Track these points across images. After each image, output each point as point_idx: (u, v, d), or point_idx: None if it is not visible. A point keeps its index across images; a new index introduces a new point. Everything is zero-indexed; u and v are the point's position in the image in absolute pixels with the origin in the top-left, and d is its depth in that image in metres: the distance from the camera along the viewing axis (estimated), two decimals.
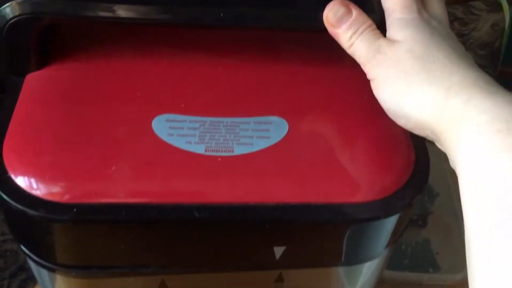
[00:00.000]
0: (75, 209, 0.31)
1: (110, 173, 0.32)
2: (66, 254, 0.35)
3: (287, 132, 0.36)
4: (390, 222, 0.36)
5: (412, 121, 0.33)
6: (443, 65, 0.32)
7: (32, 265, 0.39)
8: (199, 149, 0.34)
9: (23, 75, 0.38)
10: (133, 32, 0.42)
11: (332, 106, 0.39)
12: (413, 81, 0.32)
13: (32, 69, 0.38)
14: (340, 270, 0.41)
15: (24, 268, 1.07)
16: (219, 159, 0.34)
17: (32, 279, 0.62)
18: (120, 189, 0.32)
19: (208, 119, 0.36)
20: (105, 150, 0.34)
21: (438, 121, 0.31)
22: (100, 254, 0.36)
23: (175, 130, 0.35)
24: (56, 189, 0.32)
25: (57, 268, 0.36)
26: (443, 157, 0.32)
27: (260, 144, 0.35)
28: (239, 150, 0.35)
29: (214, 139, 0.35)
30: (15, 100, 0.36)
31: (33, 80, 0.38)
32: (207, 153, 0.34)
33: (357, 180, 0.35)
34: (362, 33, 0.35)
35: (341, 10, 0.35)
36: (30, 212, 0.31)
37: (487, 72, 1.20)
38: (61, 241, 0.34)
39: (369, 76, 0.35)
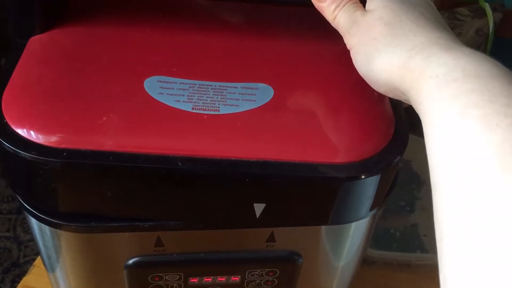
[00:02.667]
0: (64, 153, 0.33)
1: (100, 123, 0.34)
2: (62, 201, 0.36)
3: (272, 97, 0.38)
4: (370, 184, 0.37)
5: (383, 83, 0.34)
6: (409, 29, 0.33)
7: (34, 226, 0.40)
8: (187, 107, 0.36)
9: (27, 37, 0.40)
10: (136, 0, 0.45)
11: (318, 76, 0.40)
12: (381, 46, 0.33)
13: (36, 32, 0.40)
14: (328, 231, 0.42)
15: (18, 264, 1.08)
16: (205, 117, 0.35)
17: (24, 274, 0.63)
18: (109, 137, 0.34)
19: (198, 82, 0.38)
20: (98, 103, 0.36)
21: (403, 80, 0.32)
22: (92, 201, 0.37)
23: (165, 90, 0.37)
24: (48, 135, 0.34)
25: (57, 222, 0.37)
26: None
27: (245, 106, 0.37)
28: (224, 110, 0.36)
29: (202, 100, 0.37)
30: (17, 59, 0.38)
31: (36, 42, 0.40)
32: (194, 111, 0.36)
33: (336, 143, 0.36)
34: (344, 6, 0.36)
35: None
36: (24, 154, 0.32)
37: None
38: (56, 186, 0.35)
39: (347, 46, 0.37)
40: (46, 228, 0.39)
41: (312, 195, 0.37)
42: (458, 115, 0.26)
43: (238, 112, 0.36)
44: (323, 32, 0.39)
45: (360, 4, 0.37)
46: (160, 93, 0.36)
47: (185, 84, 0.37)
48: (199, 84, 0.37)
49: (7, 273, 1.08)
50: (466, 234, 0.24)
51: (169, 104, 0.36)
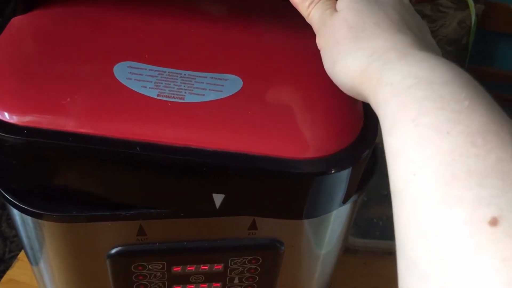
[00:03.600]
0: (25, 131, 0.33)
1: (64, 104, 0.34)
2: (26, 179, 0.37)
3: (240, 89, 0.37)
4: (337, 179, 0.36)
5: (347, 88, 0.34)
6: (371, 32, 0.33)
7: (17, 218, 0.40)
8: (152, 94, 0.36)
9: (9, 17, 0.40)
10: None
11: (291, 71, 0.40)
12: (344, 50, 0.33)
13: (17, 13, 0.40)
14: (305, 222, 0.42)
15: (3, 259, 1.07)
16: (169, 104, 0.35)
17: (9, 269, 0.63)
18: (70, 118, 0.34)
19: (168, 70, 0.38)
20: (65, 84, 0.36)
21: (363, 87, 0.32)
22: (54, 181, 0.37)
23: (134, 75, 0.37)
24: (10, 112, 0.34)
25: (39, 212, 0.36)
26: None
27: (211, 96, 0.36)
28: (189, 99, 0.36)
29: (169, 87, 0.37)
30: None
31: (16, 23, 0.41)
32: (159, 98, 0.36)
33: (301, 137, 0.35)
34: (317, 3, 0.36)
35: None
36: None
37: None
38: (16, 164, 0.35)
39: (318, 46, 0.36)
40: (28, 219, 0.39)
41: (277, 189, 0.37)
42: (411, 123, 0.26)
43: (202, 102, 0.36)
44: (302, 27, 0.38)
45: (333, 2, 0.36)
46: (128, 78, 0.36)
47: (155, 71, 0.37)
48: (168, 72, 0.37)
49: None
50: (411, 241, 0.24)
51: (135, 90, 0.36)
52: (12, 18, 0.41)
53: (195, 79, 0.37)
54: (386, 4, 0.35)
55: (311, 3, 0.36)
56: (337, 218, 0.43)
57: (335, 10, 0.35)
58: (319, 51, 0.36)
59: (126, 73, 0.37)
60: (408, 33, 0.33)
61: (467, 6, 0.93)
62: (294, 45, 0.42)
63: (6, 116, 0.34)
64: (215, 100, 0.36)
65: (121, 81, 0.36)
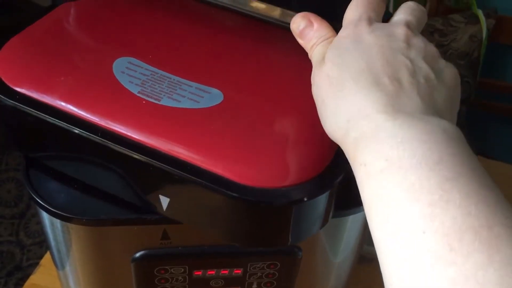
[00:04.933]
0: (17, 96, 0.36)
1: (56, 81, 0.37)
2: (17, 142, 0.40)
3: (216, 104, 0.36)
4: (302, 209, 0.34)
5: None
6: (348, 91, 0.28)
7: (46, 221, 0.41)
8: (134, 90, 0.36)
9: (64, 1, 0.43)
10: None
11: (275, 97, 0.38)
12: (326, 110, 0.30)
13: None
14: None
15: (20, 267, 1.08)
16: (144, 102, 0.35)
17: (27, 277, 0.64)
18: (55, 93, 0.36)
19: (161, 72, 0.37)
20: (68, 65, 0.38)
21: (347, 152, 0.29)
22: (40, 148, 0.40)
23: (128, 70, 0.37)
24: (11, 76, 0.38)
25: (68, 216, 0.39)
26: None
27: (186, 104, 0.35)
28: (165, 102, 0.35)
29: (152, 88, 0.36)
30: (41, 17, 0.43)
31: (64, 8, 0.44)
32: (138, 94, 0.36)
33: (261, 164, 0.33)
34: (320, 43, 0.33)
35: (303, 23, 0.34)
36: None
37: (467, 82, 1.07)
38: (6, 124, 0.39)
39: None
40: (57, 222, 0.39)
41: (217, 209, 0.35)
42: (385, 221, 0.24)
43: (174, 107, 0.35)
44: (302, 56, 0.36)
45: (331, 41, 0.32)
46: (121, 72, 0.37)
47: (149, 70, 0.37)
48: (160, 74, 0.37)
49: (11, 276, 1.09)
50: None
51: (122, 83, 0.36)
52: (65, 2, 0.43)
53: (180, 86, 0.37)
54: (367, 50, 0.29)
55: (314, 43, 0.33)
56: (354, 223, 0.41)
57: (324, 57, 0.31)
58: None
59: (123, 67, 0.37)
60: (385, 87, 0.27)
61: (478, 21, 0.92)
62: (291, 71, 0.40)
63: (5, 77, 0.37)
64: (187, 108, 0.35)
65: (114, 73, 0.37)
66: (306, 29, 0.34)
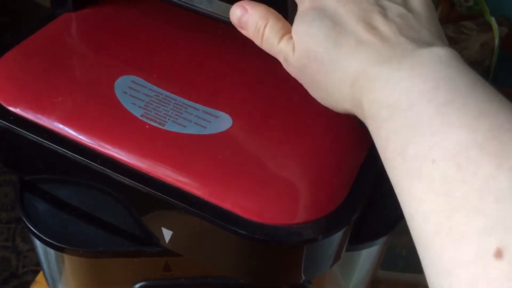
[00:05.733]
0: (11, 117, 0.34)
1: (53, 101, 0.35)
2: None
3: (225, 131, 0.33)
4: (311, 250, 0.32)
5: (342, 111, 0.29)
6: (336, 59, 0.28)
7: (39, 250, 0.38)
8: (137, 112, 0.33)
9: (61, 11, 0.41)
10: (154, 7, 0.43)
11: (291, 122, 0.35)
12: (320, 88, 0.29)
13: (69, 9, 0.41)
14: None
15: (16, 274, 1.05)
16: (147, 126, 0.33)
17: (24, 285, 0.62)
18: (52, 114, 0.34)
19: (165, 93, 0.35)
20: (63, 85, 0.35)
21: (356, 114, 0.28)
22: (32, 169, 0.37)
23: (131, 90, 0.35)
24: (5, 95, 0.35)
25: (63, 246, 0.36)
26: None
27: (192, 129, 0.33)
28: (169, 127, 0.33)
29: (156, 110, 0.34)
30: (40, 28, 0.40)
31: (64, 18, 0.41)
32: (141, 118, 0.33)
33: (262, 199, 0.31)
34: (264, 32, 0.30)
35: (238, 11, 0.31)
36: None
37: None
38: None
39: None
40: (52, 252, 0.37)
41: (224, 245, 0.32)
42: (399, 157, 0.24)
43: (179, 133, 0.33)
44: None
45: (282, 26, 0.30)
46: (124, 92, 0.35)
47: (153, 91, 0.35)
48: (165, 95, 0.35)
49: (6, 284, 1.06)
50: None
51: (124, 105, 0.34)
52: (64, 13, 0.41)
53: (186, 108, 0.34)
54: (338, 10, 0.28)
55: (258, 32, 0.31)
56: (367, 257, 0.39)
57: (291, 37, 0.29)
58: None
59: (125, 86, 0.35)
60: (368, 41, 0.27)
61: (490, 29, 0.90)
62: (306, 94, 0.39)
63: (3, 100, 0.35)
64: (193, 134, 0.33)
65: (116, 93, 0.35)
66: (244, 16, 0.31)
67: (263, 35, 0.30)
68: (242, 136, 0.34)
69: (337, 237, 0.30)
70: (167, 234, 0.33)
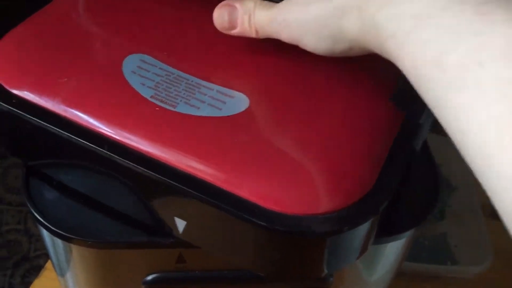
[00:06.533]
0: (14, 100, 0.32)
1: (58, 82, 0.33)
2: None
3: (241, 112, 0.31)
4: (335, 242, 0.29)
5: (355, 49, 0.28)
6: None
7: (46, 239, 0.37)
8: (146, 93, 0.31)
9: None
10: None
11: (313, 102, 0.32)
12: (317, 33, 0.28)
13: None
14: None
15: (28, 257, 1.04)
16: (157, 108, 0.30)
17: (36, 269, 0.60)
18: (57, 96, 0.32)
19: (177, 72, 0.33)
20: (69, 64, 0.33)
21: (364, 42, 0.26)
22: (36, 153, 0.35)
23: (140, 70, 0.33)
24: (7, 77, 0.33)
25: (71, 236, 0.34)
26: None
27: (205, 111, 0.31)
28: (181, 109, 0.31)
29: (167, 91, 0.31)
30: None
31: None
32: (151, 99, 0.31)
33: (279, 186, 0.28)
34: (253, 17, 0.30)
35: (226, 13, 0.31)
36: None
37: None
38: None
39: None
40: (59, 241, 0.36)
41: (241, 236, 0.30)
42: (428, 67, 0.22)
43: (193, 115, 0.30)
44: (337, 64, 0.32)
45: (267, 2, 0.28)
46: (132, 72, 0.32)
47: (163, 70, 0.33)
48: (176, 75, 0.32)
49: (17, 267, 1.05)
50: None
51: (132, 85, 0.32)
52: None
53: (200, 88, 0.32)
54: None
55: (248, 24, 0.30)
56: (392, 252, 0.37)
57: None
58: (351, 86, 0.30)
59: (134, 66, 0.33)
60: None
61: None
62: (330, 71, 0.35)
63: (4, 81, 0.33)
64: (207, 116, 0.30)
65: (124, 73, 0.33)
66: (233, 15, 0.31)
67: (252, 24, 0.29)
68: (260, 118, 0.31)
69: (364, 228, 0.28)
70: (180, 224, 0.31)
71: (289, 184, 0.27)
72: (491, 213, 0.61)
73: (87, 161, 0.31)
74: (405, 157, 0.31)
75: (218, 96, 0.31)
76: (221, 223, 0.29)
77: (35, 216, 0.34)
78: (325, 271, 0.30)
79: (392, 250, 0.36)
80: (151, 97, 0.31)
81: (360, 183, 0.28)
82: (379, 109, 0.32)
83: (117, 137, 0.30)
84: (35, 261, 1.02)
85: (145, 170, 0.28)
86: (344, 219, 0.27)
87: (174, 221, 0.30)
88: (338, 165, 0.29)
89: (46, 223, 0.34)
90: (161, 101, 0.31)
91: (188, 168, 0.28)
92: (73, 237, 0.34)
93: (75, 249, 0.34)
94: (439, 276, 0.54)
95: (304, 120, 0.31)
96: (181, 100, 0.31)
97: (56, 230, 0.34)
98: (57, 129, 0.30)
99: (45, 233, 0.35)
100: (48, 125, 0.30)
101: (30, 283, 0.53)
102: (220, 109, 0.31)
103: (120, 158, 0.29)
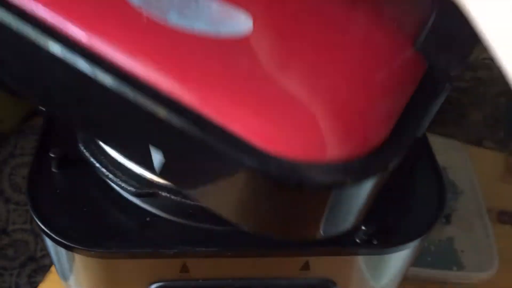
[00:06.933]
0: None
1: None
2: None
3: (241, 34, 0.26)
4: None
5: None
6: None
7: (49, 247, 0.36)
8: (137, 0, 0.26)
9: None
10: None
11: (326, 31, 0.28)
12: None
13: None
14: (366, 258, 0.37)
15: (35, 258, 1.04)
16: (145, 19, 0.26)
17: (42, 269, 0.60)
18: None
19: None
20: None
21: None
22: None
23: None
24: None
25: (74, 246, 0.34)
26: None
27: (201, 28, 0.26)
28: (173, 21, 0.26)
29: (158, 1, 0.26)
30: None
31: None
32: (139, 8, 0.26)
33: (291, 125, 0.23)
34: None
35: None
36: None
37: None
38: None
39: None
40: (62, 250, 0.36)
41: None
42: None
43: (185, 31, 0.25)
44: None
45: None
46: None
47: None
48: None
49: (24, 267, 1.05)
50: None
51: None
52: None
53: (197, 2, 0.27)
54: None
55: None
56: (398, 260, 0.37)
57: None
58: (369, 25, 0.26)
59: None
60: None
61: None
62: (350, 14, 0.30)
63: None
64: (201, 34, 0.25)
65: None
66: None
67: None
68: (263, 42, 0.26)
69: (369, 185, 0.24)
70: (156, 156, 0.26)
71: (291, 123, 0.23)
72: (498, 218, 0.61)
73: (63, 75, 0.27)
74: (421, 119, 0.27)
75: (217, 12, 0.27)
76: (206, 162, 0.24)
77: (38, 225, 0.33)
78: (321, 233, 0.26)
79: (398, 259, 0.37)
80: (140, 6, 0.27)
81: (370, 136, 0.24)
82: (400, 57, 0.27)
83: (94, 48, 0.25)
84: (41, 261, 1.02)
85: (127, 88, 0.24)
86: (349, 171, 0.23)
87: (148, 150, 0.26)
88: (349, 111, 0.24)
89: (49, 232, 0.34)
90: (151, 13, 0.26)
91: (172, 91, 0.24)
92: (76, 246, 0.34)
93: (78, 258, 0.34)
94: (444, 282, 0.53)
95: (314, 52, 0.26)
96: (173, 12, 0.27)
97: (58, 239, 0.34)
98: (27, 32, 0.26)
99: (48, 241, 0.34)
100: (17, 25, 0.26)
101: (36, 283, 0.53)
102: (218, 27, 0.26)
103: (97, 70, 0.25)
